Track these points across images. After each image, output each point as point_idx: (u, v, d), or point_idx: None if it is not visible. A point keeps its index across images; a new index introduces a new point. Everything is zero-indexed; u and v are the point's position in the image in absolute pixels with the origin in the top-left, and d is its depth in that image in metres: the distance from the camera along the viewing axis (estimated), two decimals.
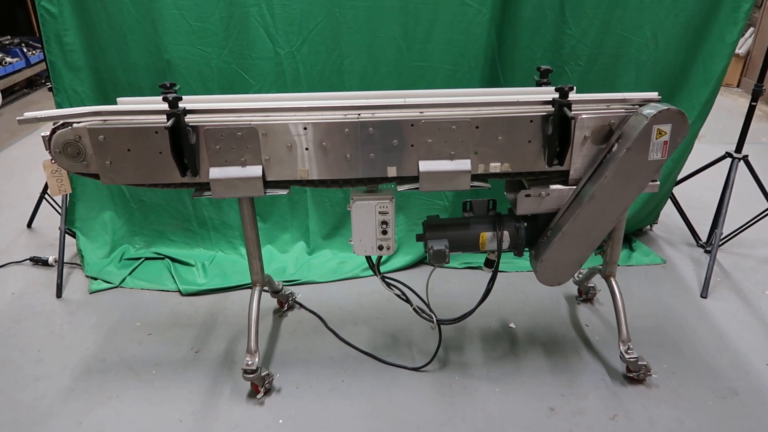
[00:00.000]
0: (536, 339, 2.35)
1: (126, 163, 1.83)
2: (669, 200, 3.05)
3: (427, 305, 2.16)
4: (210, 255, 2.88)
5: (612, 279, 2.21)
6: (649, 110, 1.78)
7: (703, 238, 3.04)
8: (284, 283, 2.65)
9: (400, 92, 1.95)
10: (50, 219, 3.03)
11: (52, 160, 1.88)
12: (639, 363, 2.08)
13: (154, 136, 1.79)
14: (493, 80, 2.58)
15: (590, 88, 2.49)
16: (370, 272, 2.74)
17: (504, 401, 2.04)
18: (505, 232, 2.03)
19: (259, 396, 2.02)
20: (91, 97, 2.61)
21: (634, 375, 2.10)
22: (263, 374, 2.04)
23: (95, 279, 2.69)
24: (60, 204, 2.79)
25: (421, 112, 1.83)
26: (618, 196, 1.87)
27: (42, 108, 1.91)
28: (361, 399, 2.05)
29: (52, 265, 2.80)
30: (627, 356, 2.08)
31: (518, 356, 2.26)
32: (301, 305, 2.53)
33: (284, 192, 1.90)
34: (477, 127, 1.83)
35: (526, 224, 2.03)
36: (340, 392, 2.08)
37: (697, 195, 3.26)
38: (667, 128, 1.78)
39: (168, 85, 1.92)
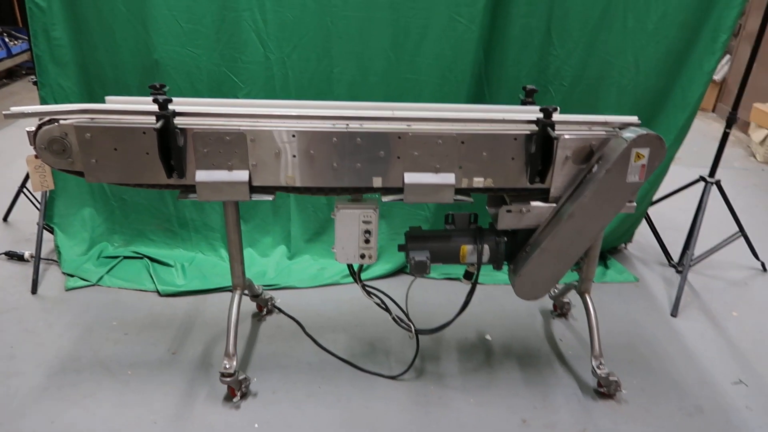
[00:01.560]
0: (511, 352, 2.39)
1: (112, 162, 1.82)
2: (644, 220, 3.13)
3: (406, 315, 2.19)
4: (190, 256, 2.87)
5: (587, 295, 2.26)
6: (628, 134, 1.83)
7: (675, 258, 3.12)
8: (264, 287, 2.65)
9: (389, 104, 1.98)
10: (27, 213, 2.99)
11: (36, 155, 1.88)
12: (610, 378, 2.13)
13: (141, 136, 1.79)
14: (478, 96, 2.63)
15: (573, 108, 2.55)
16: (350, 279, 2.79)
17: (478, 412, 2.07)
18: (486, 246, 2.07)
19: (235, 400, 2.02)
20: (77, 94, 2.59)
21: (605, 390, 2.15)
22: (240, 378, 2.04)
23: (72, 276, 2.66)
24: (39, 199, 2.76)
25: (408, 125, 1.87)
26: (596, 215, 1.93)
27: (22, 100, 1.90)
28: (337, 406, 2.06)
29: (27, 261, 2.76)
30: (598, 371, 2.14)
31: (493, 368, 2.29)
32: (280, 310, 2.54)
33: (269, 197, 1.92)
34: (462, 143, 1.87)
35: (506, 239, 2.07)
36: (317, 398, 2.09)
37: (670, 216, 3.35)
38: (645, 152, 1.84)
39: (158, 86, 1.93)
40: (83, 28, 2.46)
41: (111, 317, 2.44)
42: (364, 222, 1.99)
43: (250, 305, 2.52)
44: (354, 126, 1.85)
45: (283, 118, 1.83)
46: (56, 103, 2.56)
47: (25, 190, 2.82)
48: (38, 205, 2.79)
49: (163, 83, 1.94)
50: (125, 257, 2.83)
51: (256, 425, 1.96)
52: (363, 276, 2.79)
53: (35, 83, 2.53)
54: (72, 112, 1.76)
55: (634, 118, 1.92)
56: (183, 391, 2.08)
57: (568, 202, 1.94)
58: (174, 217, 2.86)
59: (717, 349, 2.47)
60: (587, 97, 2.63)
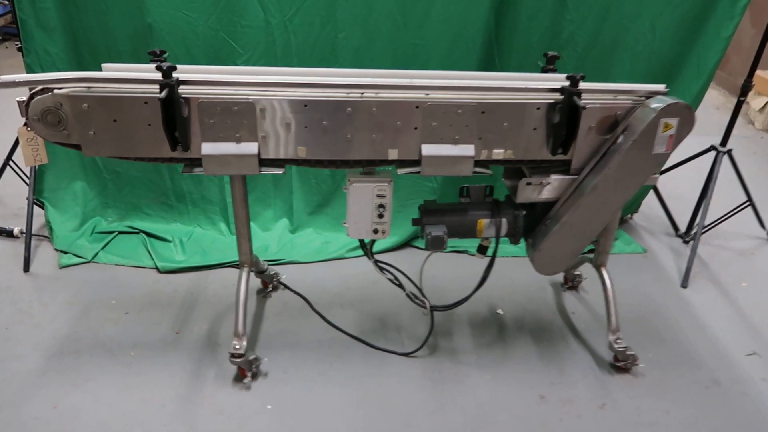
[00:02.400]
0: (524, 326, 2.35)
1: (111, 135, 1.70)
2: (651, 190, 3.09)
3: (420, 291, 2.12)
4: (188, 231, 2.77)
5: (603, 269, 2.21)
6: (656, 103, 1.76)
7: (682, 228, 3.09)
8: (267, 263, 2.57)
9: (405, 71, 1.88)
10: (13, 186, 2.84)
11: (27, 127, 1.75)
12: (627, 353, 2.10)
13: (143, 106, 1.67)
14: (488, 62, 2.52)
15: (585, 75, 2.46)
16: (356, 253, 2.73)
17: (494, 389, 2.03)
18: (503, 220, 2.00)
19: (246, 380, 1.96)
20: (65, 60, 2.43)
21: (622, 364, 2.13)
22: (251, 358, 1.97)
23: (65, 253, 2.55)
24: (27, 172, 2.62)
25: (426, 94, 1.76)
26: (620, 188, 1.86)
27: (1, 68, 1.76)
28: (350, 384, 2.01)
29: (17, 237, 2.64)
30: (616, 346, 2.10)
31: (507, 343, 2.25)
32: (286, 286, 2.46)
33: (280, 171, 1.82)
34: (483, 112, 1.78)
35: (524, 212, 2.00)
36: (329, 377, 2.03)
37: (674, 185, 3.31)
38: (674, 122, 1.77)
39: (158, 52, 1.81)
40: None
41: (109, 296, 2.34)
42: (378, 196, 1.90)
43: (255, 282, 2.44)
44: (369, 95, 1.74)
45: (294, 86, 1.72)
46: (43, 70, 2.41)
47: (11, 162, 2.67)
48: (26, 179, 2.65)
49: (163, 49, 1.82)
50: (120, 232, 2.72)
51: (269, 406, 1.90)
52: (356, 252, 2.72)
53: (20, 49, 2.36)
54: (67, 81, 1.63)
55: (661, 87, 1.84)
56: (190, 372, 2.00)
57: (591, 174, 1.87)
58: (170, 190, 2.75)
59: (728, 321, 2.45)
60: (600, 63, 2.54)
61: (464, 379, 2.07)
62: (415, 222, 2.04)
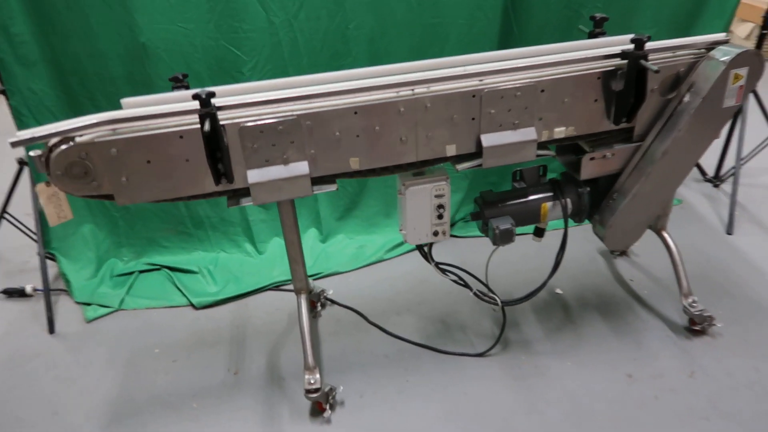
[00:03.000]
0: (587, 302, 2.27)
1: (146, 178, 1.52)
2: None
3: (488, 287, 2.01)
4: (212, 257, 2.59)
5: (664, 232, 2.13)
6: (724, 55, 1.65)
7: (710, 172, 3.04)
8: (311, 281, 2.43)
9: (450, 59, 1.73)
10: (13, 240, 2.59)
11: (47, 183, 1.56)
12: (704, 315, 2.03)
13: (178, 142, 1.49)
14: (507, 32, 2.38)
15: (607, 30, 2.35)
16: (394, 253, 2.61)
17: (580, 376, 1.95)
18: (567, 200, 1.89)
19: (325, 414, 1.83)
20: (52, 96, 2.21)
21: (700, 327, 2.06)
22: (326, 390, 1.84)
23: (89, 305, 2.34)
24: (27, 225, 2.40)
25: (480, 80, 1.62)
26: (692, 148, 1.77)
27: None
28: (434, 398, 1.90)
29: (31, 295, 2.42)
30: (692, 309, 2.03)
31: (576, 324, 2.16)
32: (334, 301, 2.32)
33: (333, 188, 1.66)
34: (542, 91, 1.65)
35: (588, 189, 1.89)
36: (409, 393, 1.92)
37: None
38: (743, 72, 1.67)
39: (180, 77, 1.63)
40: (49, 16, 2.06)
41: (150, 344, 2.17)
42: (437, 196, 1.77)
43: (295, 302, 2.29)
44: (420, 90, 1.60)
45: (339, 94, 1.55)
46: (31, 111, 2.19)
47: (6, 215, 2.44)
48: (26, 230, 2.44)
49: (185, 73, 1.63)
50: (141, 272, 2.52)
51: None
52: (395, 252, 2.60)
53: (2, 92, 2.12)
54: (90, 126, 1.43)
55: (721, 36, 1.73)
56: (263, 415, 1.86)
57: (657, 138, 1.77)
58: (186, 217, 2.55)
59: None
60: (621, 16, 2.42)
61: (546, 371, 1.98)
62: (474, 216, 1.91)
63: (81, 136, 1.44)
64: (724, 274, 2.36)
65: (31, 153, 1.46)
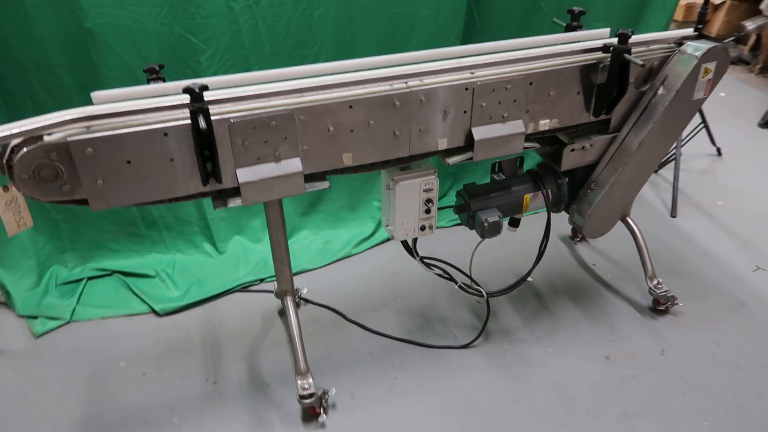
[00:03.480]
0: (557, 288, 2.33)
1: (125, 180, 1.38)
2: None
3: (472, 279, 2.02)
4: (168, 260, 2.42)
5: (628, 218, 2.22)
6: (695, 50, 1.73)
7: None
8: (269, 279, 2.34)
9: (435, 51, 1.69)
10: None
11: (5, 188, 1.38)
12: (669, 295, 2.15)
13: (162, 140, 1.36)
14: (470, 24, 2.38)
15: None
16: (362, 247, 2.56)
17: (561, 361, 2.00)
18: (548, 191, 1.93)
19: (320, 419, 1.76)
20: None
21: (664, 307, 2.18)
22: (319, 394, 1.77)
23: (35, 318, 2.12)
24: None
25: (472, 73, 1.61)
26: (665, 138, 1.85)
27: None
28: (425, 393, 1.88)
29: None
30: (657, 291, 2.15)
31: (550, 310, 2.22)
32: (309, 301, 2.24)
33: (325, 185, 1.59)
34: (531, 84, 1.66)
35: (567, 179, 1.94)
36: (401, 390, 1.89)
37: None
38: (712, 66, 1.76)
39: (157, 68, 1.49)
40: None
41: (113, 357, 2.00)
42: (426, 191, 1.74)
43: (271, 303, 2.20)
44: (414, 83, 1.56)
45: (334, 87, 1.48)
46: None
47: None
48: None
49: (161, 64, 1.49)
50: (89, 278, 2.32)
51: None
52: (363, 246, 2.56)
53: None
54: (59, 125, 1.27)
55: (688, 31, 1.81)
56: (251, 425, 1.77)
57: (633, 130, 1.83)
58: (138, 218, 2.37)
59: (723, 241, 2.59)
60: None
61: (529, 358, 2.02)
62: (459, 209, 1.91)
63: (50, 134, 1.29)
64: (674, 255, 2.51)
65: None
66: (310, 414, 1.78)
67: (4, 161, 1.29)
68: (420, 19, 2.28)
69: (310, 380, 1.75)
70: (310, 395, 1.73)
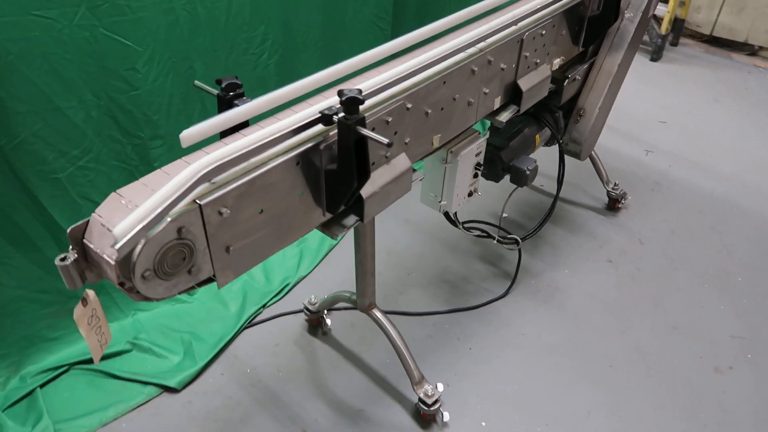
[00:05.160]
0: (533, 217, 2.46)
1: (259, 234, 1.06)
2: None
3: (504, 230, 2.03)
4: (131, 323, 1.90)
5: None
6: None
7: None
8: (270, 303, 2.04)
9: (467, 10, 1.57)
10: None
11: (84, 301, 0.97)
12: (622, 192, 2.45)
13: (295, 170, 1.07)
14: None
15: None
16: (340, 238, 2.35)
17: (582, 277, 2.17)
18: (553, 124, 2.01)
19: (445, 418, 1.65)
20: None
21: (620, 204, 2.49)
22: (437, 396, 1.64)
23: None
24: None
25: (516, 25, 1.56)
26: (631, 56, 2.04)
27: None
28: (503, 350, 1.89)
29: None
30: (615, 192, 2.44)
31: (543, 237, 2.34)
32: (333, 309, 2.01)
33: (420, 176, 1.43)
34: (553, 26, 1.68)
35: (561, 111, 2.03)
36: (481, 358, 1.87)
37: None
38: None
39: (236, 81, 1.13)
40: None
41: None
42: (477, 155, 1.68)
43: (288, 328, 1.94)
44: (483, 46, 1.45)
45: (427, 67, 1.29)
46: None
47: None
48: None
49: (239, 83, 1.13)
50: (41, 386, 1.72)
51: (483, 423, 1.68)
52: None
53: None
54: (190, 189, 0.90)
55: None
56: None
57: (609, 55, 1.99)
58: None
59: (617, 139, 3.00)
60: None
61: (556, 284, 2.14)
62: (489, 163, 1.85)
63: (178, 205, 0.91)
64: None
65: (106, 257, 0.87)
66: (431, 419, 1.65)
67: (124, 261, 0.87)
68: None
69: (428, 386, 1.62)
70: (437, 401, 1.61)
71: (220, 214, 0.96)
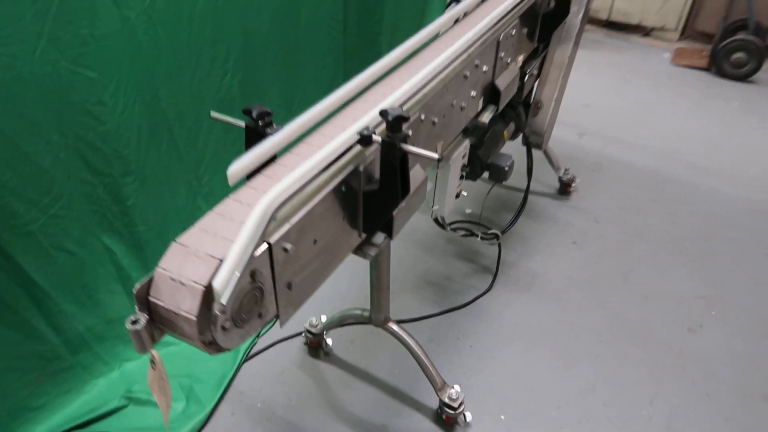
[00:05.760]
0: (495, 209, 2.55)
1: (312, 265, 1.03)
2: None
3: (486, 227, 2.08)
4: (118, 377, 1.76)
5: None
6: None
7: None
8: (266, 328, 1.97)
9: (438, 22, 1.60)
10: None
11: (153, 364, 0.90)
12: (572, 176, 2.60)
13: (340, 196, 1.05)
14: None
15: None
16: None
17: (554, 262, 2.28)
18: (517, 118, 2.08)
19: (468, 418, 1.67)
20: None
21: (572, 188, 2.63)
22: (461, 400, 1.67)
23: None
24: None
25: (489, 28, 1.60)
26: (575, 50, 2.16)
27: None
28: (502, 343, 1.94)
29: None
30: (566, 177, 2.58)
31: (514, 229, 2.42)
32: (328, 327, 1.97)
33: (430, 185, 1.44)
34: (520, 25, 1.75)
35: (522, 105, 2.11)
36: (482, 354, 1.91)
37: None
38: None
39: (267, 110, 1.08)
40: None
41: None
42: (463, 157, 1.72)
43: (290, 354, 1.88)
44: (471, 51, 1.49)
45: (430, 78, 1.31)
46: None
47: None
48: None
49: (268, 110, 1.08)
50: None
51: (502, 417, 1.72)
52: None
53: None
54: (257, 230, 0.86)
55: None
56: None
57: (559, 47, 2.09)
58: (58, 345, 1.64)
59: None
60: None
61: (534, 272, 2.23)
62: (471, 162, 1.90)
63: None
64: None
65: (134, 324, 0.80)
66: (454, 421, 1.67)
67: (198, 315, 0.81)
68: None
69: (454, 389, 1.63)
70: (461, 403, 1.63)
71: (286, 250, 0.92)
